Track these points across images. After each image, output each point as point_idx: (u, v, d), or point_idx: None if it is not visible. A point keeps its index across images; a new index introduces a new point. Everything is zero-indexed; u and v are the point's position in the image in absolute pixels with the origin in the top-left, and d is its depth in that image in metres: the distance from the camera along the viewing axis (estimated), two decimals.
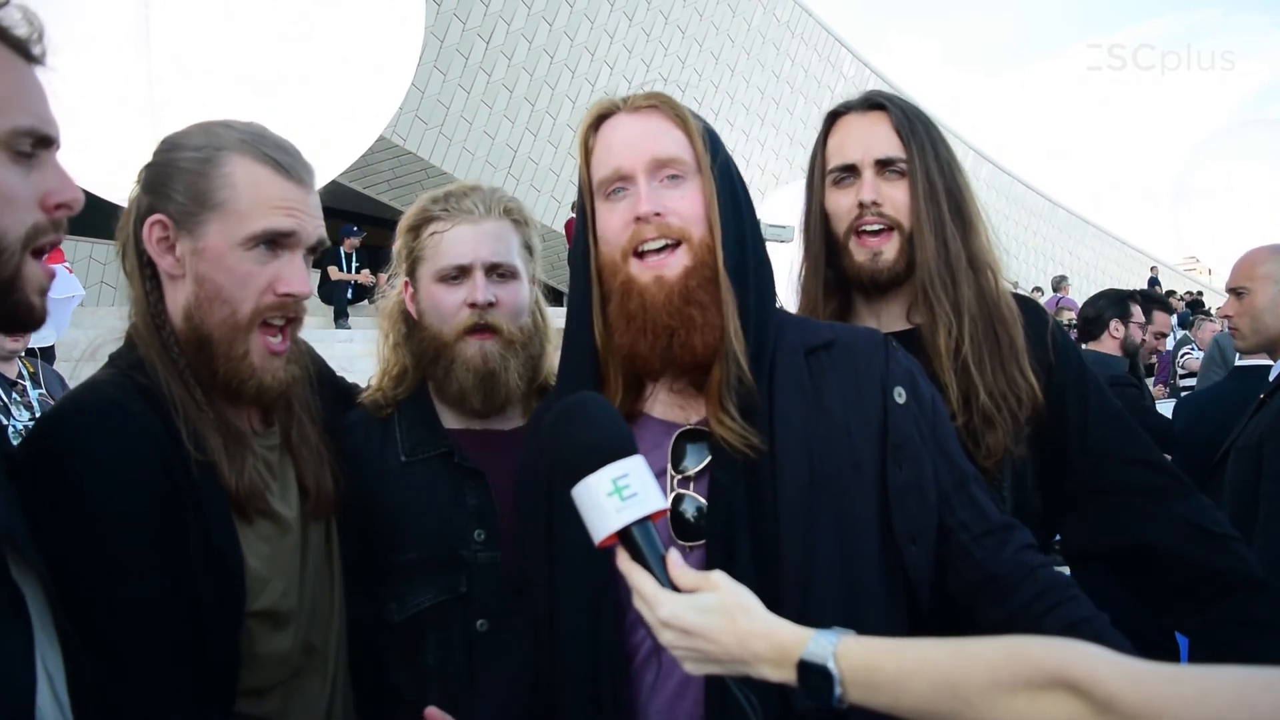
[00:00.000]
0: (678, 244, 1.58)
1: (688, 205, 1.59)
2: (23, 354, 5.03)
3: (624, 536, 1.32)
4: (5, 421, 4.56)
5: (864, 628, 1.25)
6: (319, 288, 16.45)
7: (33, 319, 1.37)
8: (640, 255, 1.59)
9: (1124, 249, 46.25)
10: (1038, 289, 24.47)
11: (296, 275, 1.76)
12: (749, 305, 1.60)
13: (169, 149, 1.76)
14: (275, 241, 1.73)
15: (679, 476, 1.60)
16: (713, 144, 1.64)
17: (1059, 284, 20.52)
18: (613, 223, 1.61)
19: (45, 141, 1.34)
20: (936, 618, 1.59)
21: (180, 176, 1.72)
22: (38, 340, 5.47)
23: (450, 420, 2.19)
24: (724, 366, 1.56)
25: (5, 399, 4.70)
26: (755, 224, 1.68)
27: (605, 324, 1.63)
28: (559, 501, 1.63)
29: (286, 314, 1.79)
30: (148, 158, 1.82)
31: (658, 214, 1.57)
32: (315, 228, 1.80)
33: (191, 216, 1.71)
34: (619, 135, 1.64)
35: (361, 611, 2.02)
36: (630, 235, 1.59)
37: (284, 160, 1.76)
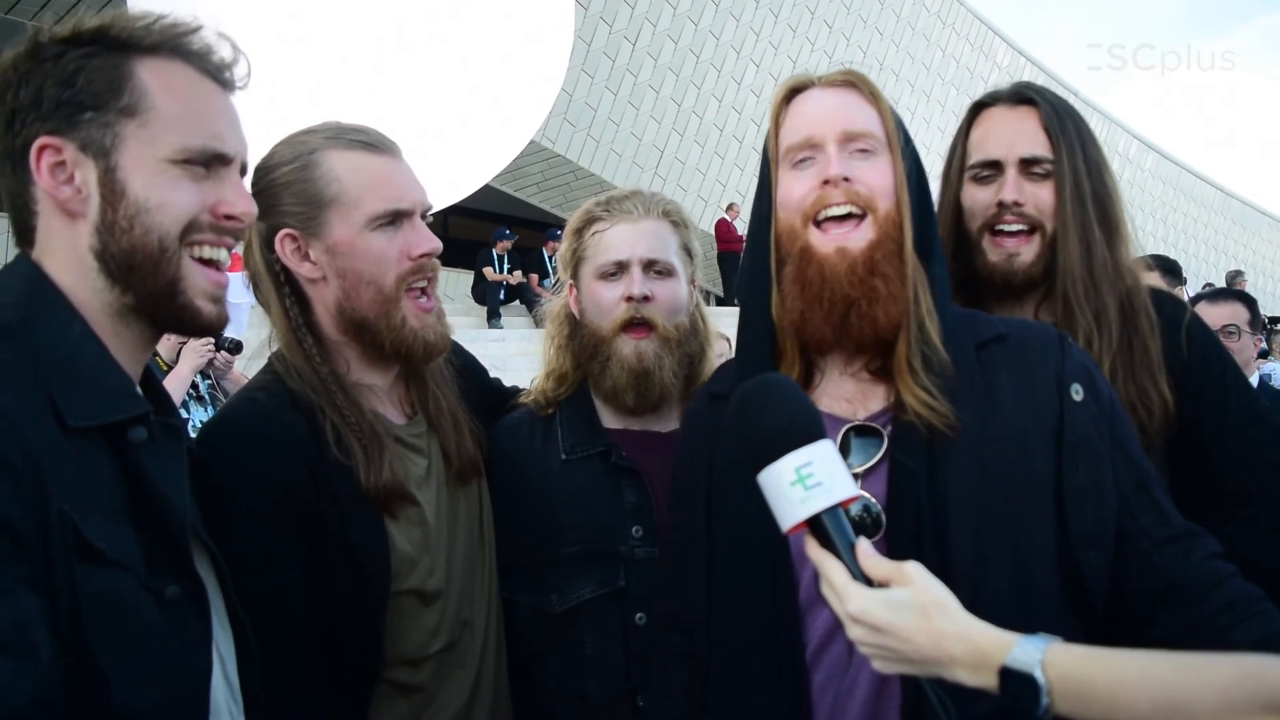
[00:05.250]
0: (863, 215, 1.55)
1: (877, 177, 1.56)
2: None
3: (812, 524, 1.29)
4: (187, 415, 4.85)
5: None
6: (473, 288, 16.98)
7: (200, 322, 1.42)
8: (820, 225, 1.56)
9: None
10: (1209, 285, 23.09)
11: (424, 237, 1.90)
12: (939, 282, 1.57)
13: (266, 172, 1.90)
14: (395, 219, 1.87)
15: None
16: (901, 125, 1.62)
17: (1233, 279, 19.18)
18: (796, 189, 1.59)
19: (220, 159, 1.41)
20: (1113, 627, 1.51)
21: (287, 190, 1.86)
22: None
23: (610, 420, 2.24)
24: (910, 342, 1.52)
25: (185, 396, 4.99)
26: (934, 207, 1.65)
27: (780, 293, 1.60)
28: (720, 489, 1.64)
29: (425, 275, 1.92)
30: None
31: (846, 179, 1.54)
32: (421, 194, 1.93)
33: (313, 220, 1.85)
34: (812, 107, 1.62)
35: (523, 602, 2.12)
36: (815, 200, 1.56)
37: (369, 139, 1.91)
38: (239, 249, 1.64)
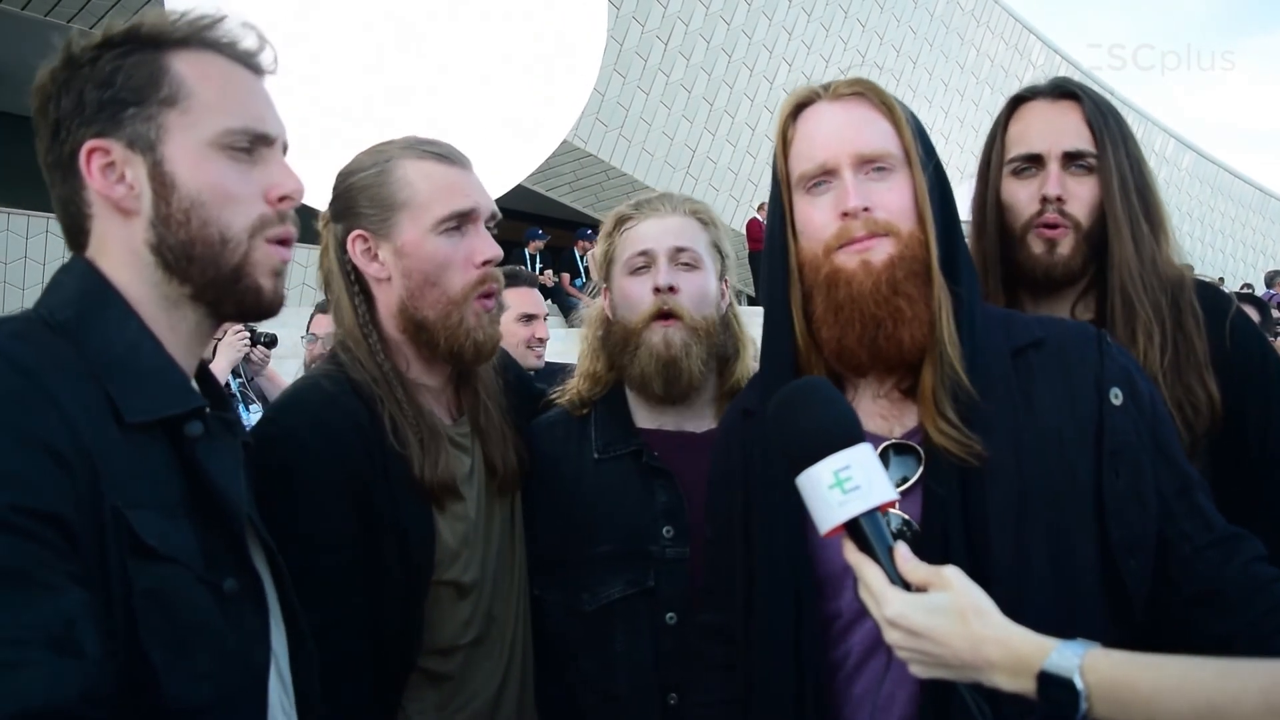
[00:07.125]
0: (885, 235, 1.51)
1: (895, 198, 1.51)
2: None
3: (850, 527, 1.28)
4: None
5: None
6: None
7: (262, 302, 1.44)
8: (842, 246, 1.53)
9: None
10: (1247, 285, 22.74)
11: (487, 244, 2.00)
12: (963, 302, 1.53)
13: (346, 177, 2.01)
14: (460, 222, 1.96)
15: None
16: (919, 132, 1.57)
17: (1272, 279, 18.92)
18: (816, 218, 1.54)
19: (263, 139, 1.43)
20: (1154, 632, 1.48)
21: (363, 193, 1.99)
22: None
23: (643, 419, 2.26)
24: (936, 368, 1.49)
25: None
26: (958, 217, 1.61)
27: (807, 322, 1.58)
28: (758, 500, 1.63)
29: (490, 284, 2.01)
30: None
31: (865, 209, 1.50)
32: (487, 201, 2.04)
33: (384, 222, 1.96)
34: (822, 126, 1.56)
35: (555, 600, 2.16)
36: (836, 232, 1.52)
37: (443, 151, 2.02)
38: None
